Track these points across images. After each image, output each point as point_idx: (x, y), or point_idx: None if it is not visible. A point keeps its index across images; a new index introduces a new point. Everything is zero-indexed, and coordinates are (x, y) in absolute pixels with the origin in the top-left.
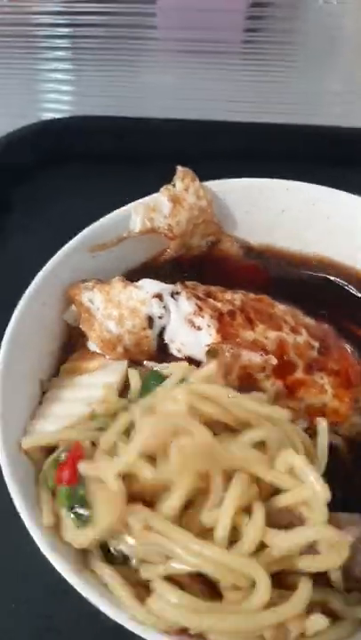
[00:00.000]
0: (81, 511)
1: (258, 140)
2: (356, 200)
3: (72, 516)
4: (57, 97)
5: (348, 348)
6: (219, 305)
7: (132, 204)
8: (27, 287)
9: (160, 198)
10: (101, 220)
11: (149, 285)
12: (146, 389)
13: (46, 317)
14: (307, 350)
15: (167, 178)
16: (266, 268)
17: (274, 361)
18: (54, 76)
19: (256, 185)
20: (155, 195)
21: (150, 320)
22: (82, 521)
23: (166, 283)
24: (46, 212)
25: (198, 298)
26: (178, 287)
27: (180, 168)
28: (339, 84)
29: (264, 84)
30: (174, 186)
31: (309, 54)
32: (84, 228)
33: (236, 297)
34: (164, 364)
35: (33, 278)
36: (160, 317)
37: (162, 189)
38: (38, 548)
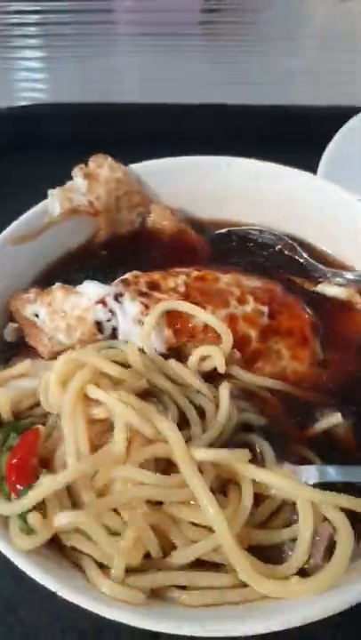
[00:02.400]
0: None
1: (218, 121)
2: (298, 173)
3: (19, 522)
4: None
5: (297, 302)
6: (164, 297)
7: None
8: None
9: (75, 179)
10: (24, 215)
11: (91, 290)
12: None
13: None
14: (257, 318)
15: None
16: (203, 238)
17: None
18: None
19: (199, 162)
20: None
21: (99, 324)
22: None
23: (105, 269)
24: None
25: (142, 294)
26: (120, 287)
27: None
28: (298, 63)
29: (221, 65)
30: (87, 165)
31: (267, 34)
32: None
33: (180, 281)
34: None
35: None
36: (108, 320)
37: (74, 169)
38: None
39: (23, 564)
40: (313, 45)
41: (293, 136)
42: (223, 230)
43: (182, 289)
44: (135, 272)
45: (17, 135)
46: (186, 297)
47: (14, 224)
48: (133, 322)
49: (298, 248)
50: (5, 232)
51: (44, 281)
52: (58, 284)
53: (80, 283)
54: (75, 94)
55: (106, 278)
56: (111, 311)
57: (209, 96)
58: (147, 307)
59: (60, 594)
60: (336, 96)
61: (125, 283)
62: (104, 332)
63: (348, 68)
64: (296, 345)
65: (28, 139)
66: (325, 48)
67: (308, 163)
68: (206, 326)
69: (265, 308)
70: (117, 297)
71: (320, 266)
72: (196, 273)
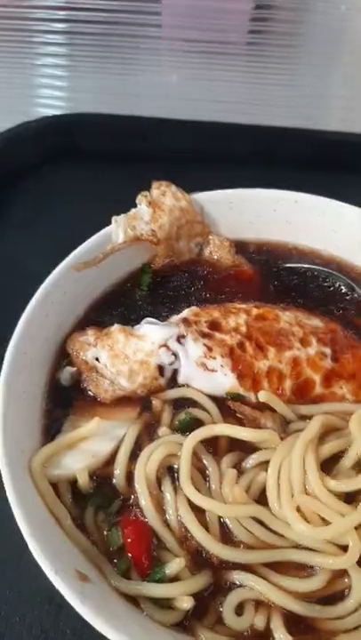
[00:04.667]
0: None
1: (259, 143)
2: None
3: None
4: (52, 92)
5: (359, 343)
6: (227, 338)
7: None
8: (25, 293)
9: (139, 206)
10: (88, 241)
11: (153, 333)
12: None
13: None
14: (320, 362)
15: (164, 178)
16: (259, 272)
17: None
18: (50, 71)
19: (264, 195)
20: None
21: (161, 368)
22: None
23: (159, 299)
24: (42, 213)
25: (204, 335)
26: (181, 329)
27: (154, 182)
28: (342, 88)
29: (267, 87)
30: (150, 191)
31: (313, 58)
32: (80, 233)
33: (241, 321)
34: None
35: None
36: (171, 364)
37: (138, 197)
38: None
39: None
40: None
41: (342, 163)
42: (281, 265)
43: (244, 329)
44: (194, 309)
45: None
46: (248, 338)
47: (77, 251)
48: (197, 365)
49: (356, 287)
50: (68, 259)
51: (98, 309)
52: (117, 326)
53: (133, 313)
54: (102, 106)
55: (160, 310)
56: (174, 354)
57: (244, 117)
58: (210, 349)
59: None
60: None
61: (186, 323)
62: (165, 375)
63: None
64: (359, 387)
65: (53, 152)
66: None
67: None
68: (270, 371)
69: (328, 349)
70: (179, 339)
71: None
72: (255, 311)
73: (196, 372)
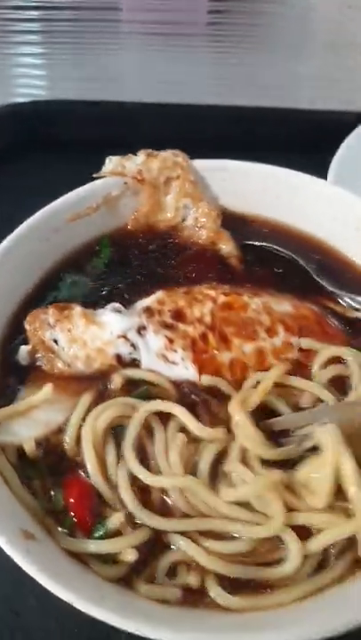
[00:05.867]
0: None
1: (224, 123)
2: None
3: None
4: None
5: (331, 330)
6: (190, 330)
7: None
8: None
9: (137, 155)
10: (81, 188)
11: (114, 323)
12: None
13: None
14: (287, 352)
15: None
16: (239, 260)
17: None
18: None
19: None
20: None
21: (119, 357)
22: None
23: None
24: (11, 198)
25: (166, 326)
26: (143, 319)
27: None
28: (307, 66)
29: (228, 67)
30: None
31: (276, 37)
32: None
33: (206, 310)
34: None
35: None
36: (130, 354)
37: (141, 150)
38: None
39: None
40: (318, 50)
41: (303, 140)
42: (256, 243)
43: (208, 319)
44: (160, 295)
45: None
46: (212, 328)
47: (65, 199)
48: (157, 357)
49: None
50: (57, 206)
51: (53, 281)
52: (78, 309)
53: (95, 288)
54: (73, 92)
55: (127, 287)
56: (133, 345)
57: (213, 97)
58: (171, 341)
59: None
60: (341, 102)
61: (149, 312)
62: (123, 363)
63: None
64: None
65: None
66: (331, 53)
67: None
68: (233, 363)
69: (295, 338)
70: (140, 330)
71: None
72: (222, 298)
73: (156, 363)
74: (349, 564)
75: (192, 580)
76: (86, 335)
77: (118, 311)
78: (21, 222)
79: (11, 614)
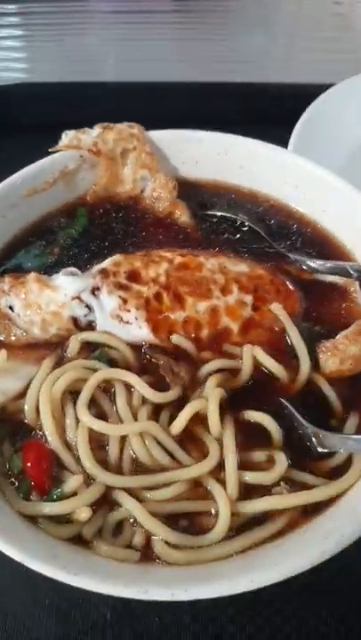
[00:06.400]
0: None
1: (191, 100)
2: (268, 148)
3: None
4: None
5: (289, 287)
6: (144, 290)
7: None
8: None
9: (93, 129)
10: (36, 163)
11: (67, 285)
12: None
13: None
14: (240, 310)
15: None
16: (195, 230)
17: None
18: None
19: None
20: None
21: (75, 320)
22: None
23: (90, 238)
24: None
25: (120, 286)
26: (97, 280)
27: None
28: (275, 39)
29: (195, 42)
30: None
31: (240, 11)
32: None
33: (161, 271)
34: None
35: None
36: (85, 315)
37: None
38: None
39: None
40: (286, 24)
41: (265, 114)
42: (211, 212)
43: (163, 279)
44: (116, 258)
45: None
46: (166, 288)
47: (22, 174)
48: (111, 317)
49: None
50: (13, 181)
51: (29, 238)
52: (32, 275)
53: (63, 248)
54: (52, 73)
55: (88, 251)
56: (88, 306)
57: (181, 74)
58: (125, 301)
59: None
60: (306, 75)
61: (104, 274)
62: (80, 327)
63: (320, 47)
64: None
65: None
66: (298, 28)
67: (282, 140)
68: (186, 321)
69: (249, 297)
70: (94, 291)
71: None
72: (179, 259)
73: (111, 324)
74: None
75: (138, 539)
76: (41, 299)
77: (73, 274)
78: None
79: None
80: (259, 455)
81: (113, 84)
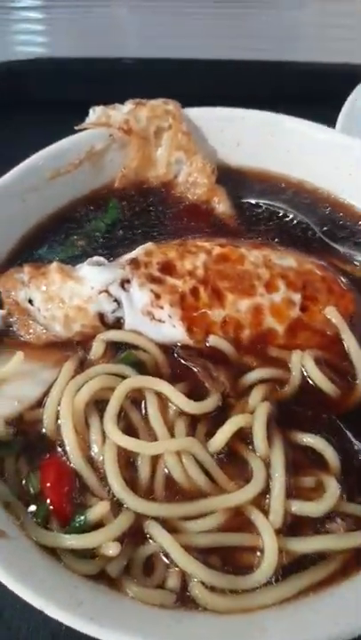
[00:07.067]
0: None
1: (224, 78)
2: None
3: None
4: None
5: (342, 285)
6: (179, 284)
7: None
8: None
9: (124, 105)
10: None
11: (93, 277)
12: None
13: None
14: (287, 310)
15: None
16: (234, 219)
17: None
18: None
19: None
20: None
21: (102, 315)
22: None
23: (118, 227)
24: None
25: (153, 279)
26: (127, 271)
27: None
28: (309, 19)
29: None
30: None
31: None
32: None
33: (198, 263)
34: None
35: None
36: (113, 311)
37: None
38: None
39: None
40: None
41: (309, 93)
42: (253, 201)
43: (200, 272)
44: (148, 247)
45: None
46: (204, 283)
47: (43, 154)
48: (142, 314)
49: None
50: (34, 162)
51: (53, 227)
52: (55, 264)
53: (83, 247)
54: (73, 48)
55: (115, 239)
56: (116, 300)
57: (212, 51)
58: (158, 296)
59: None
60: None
61: (135, 264)
62: (107, 323)
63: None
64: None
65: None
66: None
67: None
68: (226, 321)
69: (297, 297)
70: (124, 283)
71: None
72: (218, 250)
73: (141, 321)
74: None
75: (173, 581)
76: (64, 292)
77: (100, 265)
78: None
79: None
80: (308, 481)
81: (144, 61)
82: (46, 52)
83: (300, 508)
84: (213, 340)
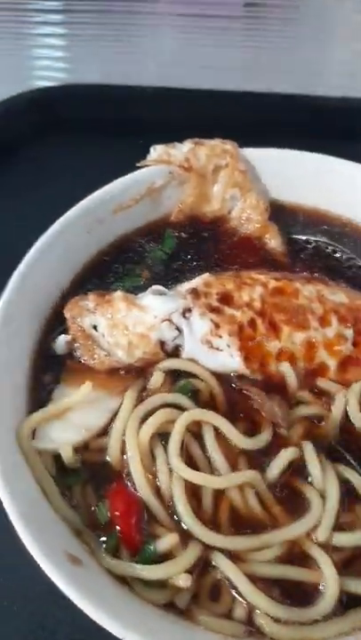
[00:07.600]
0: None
1: (257, 110)
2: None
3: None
4: (49, 64)
5: None
6: (237, 315)
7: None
8: (13, 266)
9: (183, 143)
10: (122, 179)
11: (157, 306)
12: None
13: (38, 296)
14: (339, 345)
15: None
16: (285, 255)
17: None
18: (47, 41)
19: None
20: None
21: (162, 343)
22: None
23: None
24: (39, 187)
25: (212, 309)
26: (188, 301)
27: None
28: (342, 52)
29: (265, 51)
30: None
31: (313, 20)
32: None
33: (255, 295)
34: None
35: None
36: (174, 339)
37: (187, 139)
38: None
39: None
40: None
41: (343, 130)
42: (303, 237)
43: (257, 304)
44: (206, 277)
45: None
46: (261, 314)
47: (110, 189)
48: (201, 342)
49: None
50: (101, 196)
51: (113, 256)
52: (119, 293)
53: (149, 268)
54: (106, 76)
55: (172, 270)
56: (177, 328)
57: (245, 83)
58: (217, 326)
59: None
60: None
61: (195, 294)
62: (166, 351)
63: None
64: None
65: (49, 124)
66: None
67: None
68: (281, 352)
69: (349, 331)
70: (185, 312)
71: None
72: (273, 283)
73: (200, 349)
74: None
75: (239, 612)
76: (128, 319)
77: (161, 294)
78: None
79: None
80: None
81: (184, 91)
82: (68, 77)
83: (347, 540)
84: (285, 368)
